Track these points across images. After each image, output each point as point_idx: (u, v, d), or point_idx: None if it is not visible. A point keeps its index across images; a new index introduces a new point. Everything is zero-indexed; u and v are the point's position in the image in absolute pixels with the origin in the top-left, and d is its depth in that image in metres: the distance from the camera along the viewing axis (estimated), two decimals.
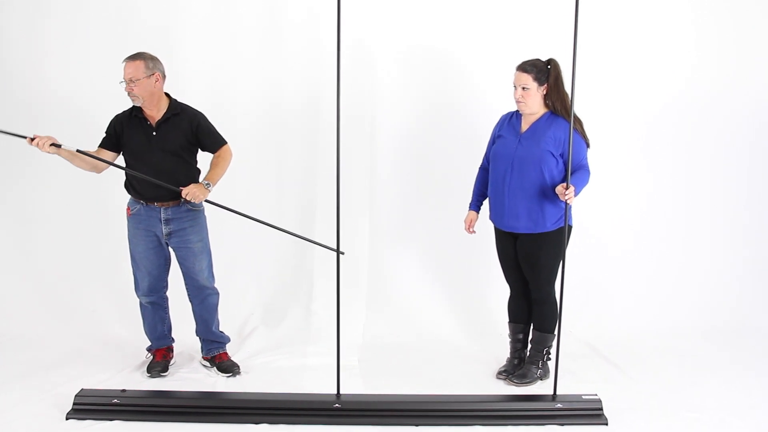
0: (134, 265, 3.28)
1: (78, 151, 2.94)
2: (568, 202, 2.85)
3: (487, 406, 2.89)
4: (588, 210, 3.69)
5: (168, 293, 3.40)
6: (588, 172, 3.03)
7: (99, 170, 3.15)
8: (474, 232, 3.36)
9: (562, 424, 2.81)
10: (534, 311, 3.28)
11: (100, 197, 3.95)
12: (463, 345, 3.77)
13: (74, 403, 2.88)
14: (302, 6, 3.93)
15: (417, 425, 2.81)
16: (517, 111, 3.15)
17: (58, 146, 2.88)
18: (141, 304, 3.36)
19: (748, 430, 2.81)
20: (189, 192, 2.99)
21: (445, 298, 4.08)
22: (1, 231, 4.12)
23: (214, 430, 2.78)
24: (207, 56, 3.96)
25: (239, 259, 4.08)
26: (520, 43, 3.67)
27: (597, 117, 3.56)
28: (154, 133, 3.10)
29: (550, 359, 3.25)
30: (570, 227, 3.11)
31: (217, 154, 3.18)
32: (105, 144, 3.14)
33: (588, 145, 3.08)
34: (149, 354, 3.43)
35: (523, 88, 3.02)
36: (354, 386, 3.19)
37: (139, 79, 2.99)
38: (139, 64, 3.00)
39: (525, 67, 3.02)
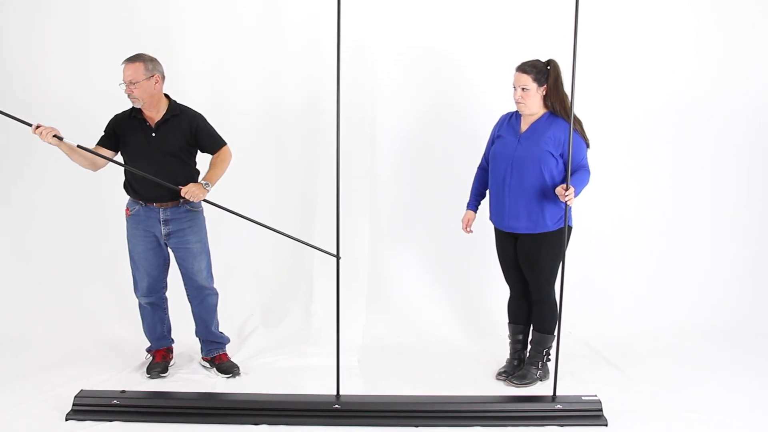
0: (133, 266, 3.28)
1: (78, 146, 2.94)
2: (568, 203, 2.85)
3: (487, 406, 2.89)
4: (588, 210, 3.69)
5: (167, 294, 3.40)
6: (588, 172, 3.03)
7: (96, 167, 3.14)
8: (471, 231, 3.36)
9: (562, 425, 2.81)
10: (534, 312, 3.28)
11: (100, 198, 3.95)
12: (462, 346, 3.77)
13: (74, 404, 2.88)
14: (302, 6, 3.93)
15: (417, 426, 2.81)
16: (517, 111, 3.15)
17: (60, 139, 2.88)
18: (140, 305, 3.36)
19: (748, 430, 2.81)
20: (188, 191, 2.99)
21: (445, 298, 4.08)
22: (0, 231, 4.12)
23: (213, 430, 2.78)
24: (207, 56, 3.96)
25: (239, 260, 4.08)
26: (520, 43, 3.67)
27: (597, 117, 3.57)
28: (154, 135, 3.10)
29: (549, 360, 3.25)
30: (570, 228, 3.11)
31: (216, 155, 3.18)
32: (103, 143, 3.13)
33: (588, 146, 3.08)
34: (149, 355, 3.43)
35: (523, 88, 3.02)
36: (354, 387, 3.19)
37: (138, 81, 2.99)
38: (139, 66, 2.99)
39: (524, 67, 3.02)
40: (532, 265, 3.15)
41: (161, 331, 3.40)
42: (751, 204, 4.17)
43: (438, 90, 3.99)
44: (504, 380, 3.30)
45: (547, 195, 3.02)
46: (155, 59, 3.07)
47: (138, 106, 3.07)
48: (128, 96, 3.02)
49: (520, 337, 3.36)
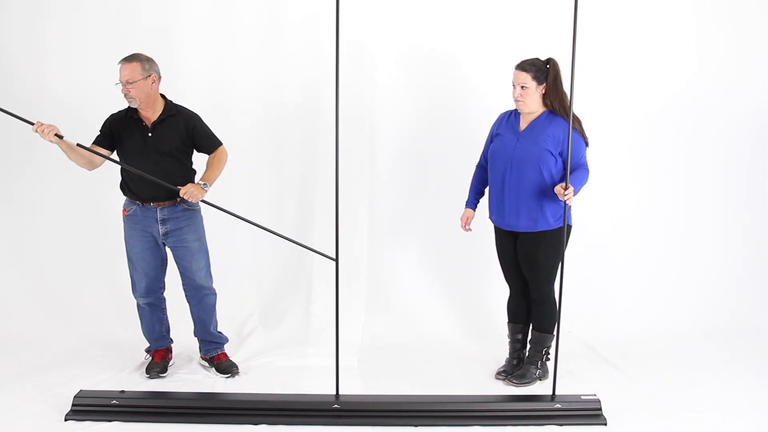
0: (131, 267, 3.28)
1: (78, 145, 2.95)
2: (567, 202, 2.85)
3: (487, 406, 2.89)
4: (588, 210, 3.69)
5: (165, 294, 3.40)
6: (587, 171, 3.03)
7: (93, 166, 3.13)
8: (470, 230, 3.36)
9: (561, 425, 2.81)
10: (533, 311, 3.28)
11: (100, 198, 3.95)
12: (462, 345, 3.77)
13: (73, 404, 2.88)
14: (302, 6, 3.93)
15: (416, 425, 2.81)
16: (516, 109, 3.15)
17: (60, 137, 2.88)
18: (138, 306, 3.36)
19: (748, 430, 2.81)
20: (187, 191, 2.99)
21: (445, 298, 4.07)
22: (0, 231, 4.12)
23: (213, 430, 2.78)
24: (207, 56, 3.96)
25: (238, 260, 4.08)
26: (520, 43, 3.66)
27: (597, 117, 3.57)
28: (150, 135, 3.10)
29: (549, 359, 3.25)
30: (570, 227, 3.12)
31: (212, 155, 3.19)
32: (99, 142, 3.12)
33: (587, 144, 3.08)
34: (148, 355, 3.43)
35: (522, 86, 3.02)
36: (353, 387, 3.19)
37: (136, 81, 2.99)
38: (136, 66, 2.99)
39: (524, 66, 3.03)
40: (531, 264, 3.15)
41: (160, 331, 3.40)
42: (751, 204, 4.17)
43: (437, 89, 3.98)
44: (503, 380, 3.30)
45: (547, 193, 3.02)
46: (152, 59, 3.07)
47: (134, 106, 3.07)
48: (125, 96, 3.02)
49: (520, 336, 3.36)
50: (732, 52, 4.01)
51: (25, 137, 3.95)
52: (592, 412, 2.85)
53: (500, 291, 3.50)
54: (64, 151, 2.97)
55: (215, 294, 3.38)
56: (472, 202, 3.36)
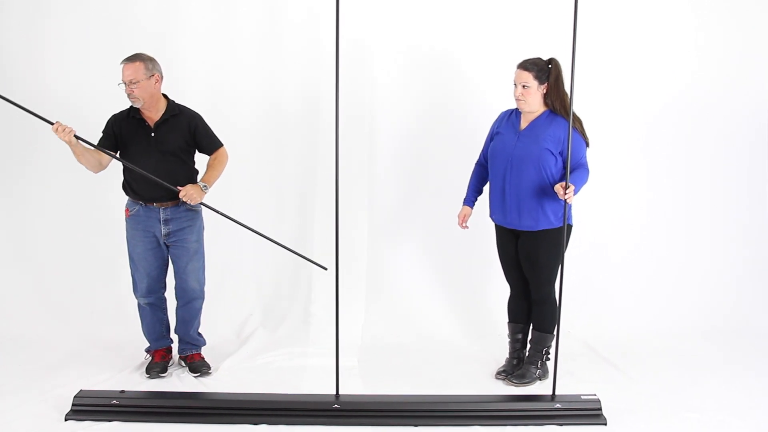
0: (133, 267, 3.28)
1: (94, 146, 2.96)
2: (567, 201, 2.85)
3: (487, 406, 2.89)
4: (588, 210, 3.69)
5: (166, 294, 3.40)
6: (587, 170, 3.03)
7: (101, 168, 3.14)
8: (467, 227, 3.35)
9: (561, 425, 2.81)
10: (533, 311, 3.28)
11: (100, 198, 3.95)
12: (462, 345, 3.77)
13: (73, 404, 2.88)
14: (302, 6, 3.93)
15: (416, 425, 2.81)
16: (517, 108, 3.15)
17: (78, 139, 2.88)
18: (139, 306, 3.36)
19: (748, 430, 2.80)
20: (186, 193, 3.00)
21: (445, 298, 4.07)
22: (1, 231, 4.12)
23: (213, 430, 2.78)
24: (206, 57, 3.96)
25: (238, 261, 4.08)
26: (520, 42, 3.67)
27: (597, 116, 3.56)
28: (153, 135, 3.10)
29: (549, 359, 3.25)
30: (570, 227, 3.12)
31: (213, 156, 3.19)
32: (103, 144, 3.12)
33: (587, 144, 3.08)
34: (148, 355, 3.43)
35: (524, 86, 3.02)
36: (353, 387, 3.19)
37: (139, 81, 2.98)
38: (139, 65, 2.99)
39: (526, 65, 3.03)
40: (532, 264, 3.15)
41: (160, 331, 3.39)
42: (751, 204, 4.17)
43: (437, 89, 3.98)
44: (503, 379, 3.30)
45: (547, 192, 3.02)
46: (154, 59, 3.07)
47: (138, 106, 3.07)
48: (128, 96, 3.02)
49: (520, 336, 3.35)
50: (732, 52, 4.01)
51: (26, 137, 3.97)
52: (592, 412, 2.85)
53: (500, 291, 3.50)
54: (76, 153, 2.97)
55: (203, 298, 3.37)
56: (470, 200, 3.35)
